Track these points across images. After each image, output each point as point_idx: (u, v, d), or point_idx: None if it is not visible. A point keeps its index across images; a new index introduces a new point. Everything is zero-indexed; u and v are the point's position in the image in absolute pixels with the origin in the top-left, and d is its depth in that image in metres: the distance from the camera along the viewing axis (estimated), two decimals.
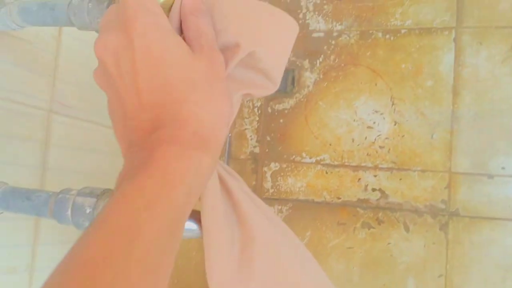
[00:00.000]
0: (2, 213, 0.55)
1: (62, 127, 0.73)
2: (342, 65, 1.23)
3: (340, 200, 1.20)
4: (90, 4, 0.48)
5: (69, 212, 0.47)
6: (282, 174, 1.26)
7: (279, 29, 0.42)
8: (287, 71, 1.29)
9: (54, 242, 0.73)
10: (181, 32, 0.36)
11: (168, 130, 0.30)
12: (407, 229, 1.13)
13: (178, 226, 0.30)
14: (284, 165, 1.26)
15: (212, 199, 0.40)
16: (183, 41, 0.33)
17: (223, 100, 0.33)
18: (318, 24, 1.27)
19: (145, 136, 0.31)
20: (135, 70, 0.31)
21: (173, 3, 0.36)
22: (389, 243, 1.14)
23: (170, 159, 0.29)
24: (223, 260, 0.41)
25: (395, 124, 1.17)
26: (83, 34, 0.79)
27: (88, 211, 0.47)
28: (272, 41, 0.41)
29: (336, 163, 1.21)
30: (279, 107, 1.28)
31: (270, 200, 1.26)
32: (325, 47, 1.25)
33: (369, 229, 1.16)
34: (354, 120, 1.21)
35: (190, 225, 0.46)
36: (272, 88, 0.43)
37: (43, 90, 0.70)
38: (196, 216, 0.47)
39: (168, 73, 0.31)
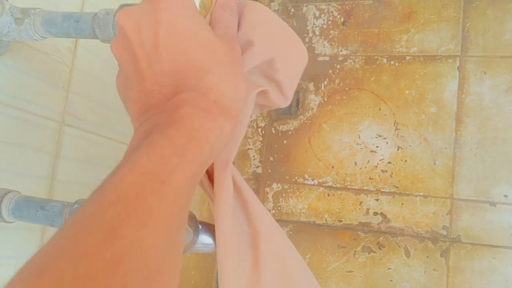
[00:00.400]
0: (13, 222, 0.55)
1: (73, 139, 0.73)
2: (347, 89, 1.25)
3: (341, 223, 1.19)
4: (115, 17, 0.49)
5: None
6: (284, 195, 1.26)
7: (295, 50, 0.44)
8: None
9: None
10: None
11: (192, 94, 0.30)
12: (407, 254, 1.13)
13: (197, 181, 0.30)
14: (286, 186, 1.26)
15: (225, 213, 0.40)
16: (206, 22, 0.34)
17: (242, 80, 0.33)
18: (324, 48, 1.29)
19: (166, 100, 0.31)
20: (157, 39, 0.31)
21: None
22: (389, 268, 1.14)
23: (194, 119, 0.29)
24: (236, 276, 0.42)
25: (398, 149, 1.18)
26: (97, 48, 0.80)
27: None
28: (288, 57, 0.43)
29: (338, 185, 1.21)
30: (283, 128, 1.29)
31: None
32: (330, 71, 1.27)
33: (369, 253, 1.16)
34: (357, 144, 1.22)
35: (207, 240, 0.46)
36: (284, 102, 0.44)
37: (56, 102, 0.70)
38: (211, 229, 0.47)
39: (191, 46, 0.32)
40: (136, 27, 0.32)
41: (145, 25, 0.32)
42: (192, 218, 0.42)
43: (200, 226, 0.45)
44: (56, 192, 0.71)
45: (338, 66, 1.26)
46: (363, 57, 1.25)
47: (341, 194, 1.21)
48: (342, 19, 1.28)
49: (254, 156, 1.31)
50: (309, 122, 1.27)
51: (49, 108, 0.69)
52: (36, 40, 0.56)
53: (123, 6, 0.48)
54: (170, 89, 0.31)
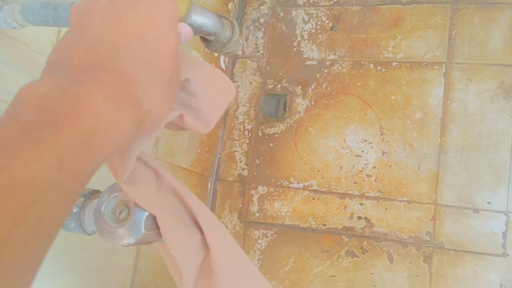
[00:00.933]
0: None
1: None
2: (334, 93, 1.25)
3: (325, 227, 1.19)
4: None
5: None
6: (269, 198, 1.25)
7: (218, 82, 0.42)
8: (279, 96, 1.30)
9: None
10: None
11: (111, 80, 0.28)
12: (391, 259, 1.13)
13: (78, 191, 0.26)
14: (272, 189, 1.25)
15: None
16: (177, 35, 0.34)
17: (170, 96, 0.32)
18: (311, 53, 1.29)
19: (85, 66, 0.28)
20: (120, 19, 0.30)
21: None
22: (372, 273, 1.13)
23: (100, 114, 0.26)
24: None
25: (383, 154, 1.18)
26: None
27: (74, 210, 0.46)
28: (210, 86, 0.41)
29: (323, 189, 1.21)
30: (270, 131, 1.29)
31: (255, 224, 1.25)
32: (317, 75, 1.27)
33: (353, 258, 1.15)
34: (342, 148, 1.22)
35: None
36: (204, 129, 0.42)
37: None
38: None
39: (150, 42, 0.31)
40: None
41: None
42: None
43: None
44: None
45: (326, 71, 1.27)
46: (351, 62, 1.25)
47: (326, 198, 1.20)
48: (330, 24, 1.29)
49: (240, 158, 1.31)
50: (296, 125, 1.27)
51: None
52: (15, 28, 0.56)
53: None
54: (98, 57, 0.29)
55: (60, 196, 0.24)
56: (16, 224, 0.21)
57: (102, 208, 0.40)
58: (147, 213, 0.39)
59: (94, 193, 0.48)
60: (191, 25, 0.45)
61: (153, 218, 0.40)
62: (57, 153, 0.23)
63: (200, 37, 0.51)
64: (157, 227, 0.41)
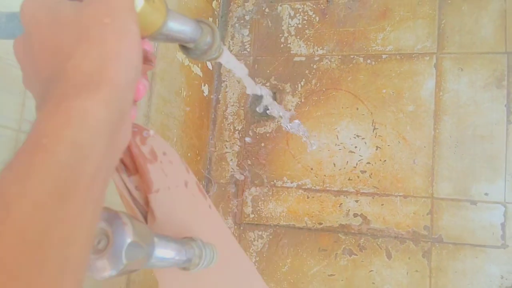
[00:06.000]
0: None
1: None
2: (324, 89, 1.22)
3: (321, 226, 1.17)
4: None
5: None
6: (263, 198, 1.23)
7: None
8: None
9: None
10: None
11: (50, 91, 0.28)
12: (389, 256, 1.11)
13: (71, 188, 0.26)
14: (265, 190, 1.23)
15: None
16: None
17: (116, 37, 0.30)
18: (299, 49, 1.26)
19: (37, 107, 0.30)
20: (31, 42, 0.31)
21: None
22: (371, 271, 1.11)
23: (43, 120, 0.26)
24: None
25: (376, 149, 1.16)
26: None
27: None
28: None
29: (317, 187, 1.19)
30: (261, 130, 1.26)
31: (250, 226, 1.23)
32: (306, 71, 1.25)
33: (350, 256, 1.13)
34: (335, 145, 1.19)
35: (163, 253, 0.43)
36: None
37: (12, 108, 0.66)
38: (170, 242, 0.44)
39: (56, 35, 0.30)
40: (30, 18, 0.32)
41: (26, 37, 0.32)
42: (143, 230, 0.39)
43: (156, 240, 0.42)
44: None
45: (315, 66, 1.24)
46: (339, 57, 1.23)
47: (320, 196, 1.18)
48: (317, 19, 1.26)
49: (232, 159, 1.28)
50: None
51: (4, 115, 0.66)
52: None
53: None
54: (41, 88, 0.30)
55: (32, 204, 0.24)
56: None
57: None
58: (128, 240, 0.37)
59: None
60: (167, 34, 0.42)
61: (137, 246, 0.37)
62: (11, 173, 0.26)
63: (179, 44, 0.48)
64: (143, 254, 0.39)
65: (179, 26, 0.43)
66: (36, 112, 0.30)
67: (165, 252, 0.42)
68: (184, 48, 0.48)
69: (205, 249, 0.46)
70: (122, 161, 0.43)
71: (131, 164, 0.42)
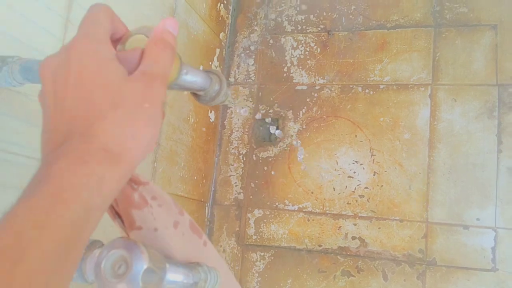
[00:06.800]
0: None
1: None
2: (324, 116, 1.29)
3: (321, 248, 1.22)
4: None
5: None
6: (265, 220, 1.28)
7: None
8: (272, 121, 1.34)
9: None
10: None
11: (73, 144, 0.30)
12: (385, 278, 1.16)
13: (75, 244, 0.29)
14: (268, 212, 1.29)
15: None
16: (119, 66, 0.34)
17: (148, 123, 0.33)
18: (301, 78, 1.33)
19: (51, 150, 0.31)
20: (66, 88, 0.32)
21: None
22: None
23: (65, 174, 0.29)
24: None
25: (374, 174, 1.22)
26: None
27: None
28: None
29: (317, 211, 1.24)
30: (264, 155, 1.33)
31: (253, 247, 1.28)
32: (308, 99, 1.31)
33: (348, 277, 1.18)
34: (335, 170, 1.25)
35: (176, 277, 0.49)
36: None
37: (38, 140, 0.73)
38: (181, 267, 0.50)
39: (94, 94, 0.32)
40: (52, 78, 0.33)
41: (59, 76, 0.33)
42: (157, 257, 0.45)
43: (167, 265, 0.48)
44: None
45: (316, 95, 1.31)
46: (339, 86, 1.29)
47: (320, 219, 1.24)
48: (319, 50, 1.33)
49: (236, 182, 1.34)
50: (289, 148, 1.30)
51: (30, 147, 0.72)
52: (14, 86, 0.59)
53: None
54: (61, 137, 0.31)
55: (45, 252, 0.27)
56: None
57: (102, 264, 0.43)
58: (145, 266, 0.43)
59: (95, 243, 0.52)
60: (181, 84, 0.49)
61: (152, 271, 0.43)
62: (31, 215, 0.27)
63: (191, 92, 0.55)
64: (157, 278, 0.45)
65: (192, 78, 0.50)
66: (42, 146, 0.33)
67: (175, 276, 0.48)
68: (195, 95, 0.55)
69: (210, 273, 0.52)
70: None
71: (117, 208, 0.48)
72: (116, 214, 0.48)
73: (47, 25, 0.74)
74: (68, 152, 0.30)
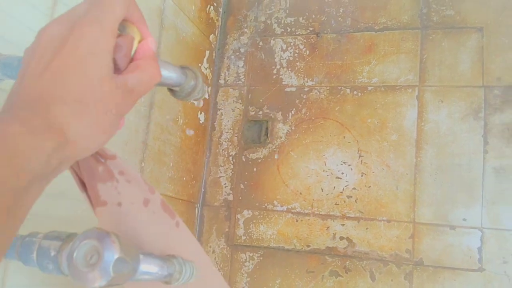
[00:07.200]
0: None
1: None
2: (313, 118, 1.30)
3: (309, 248, 1.23)
4: None
5: (34, 255, 0.50)
6: (254, 221, 1.29)
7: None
8: (261, 123, 1.35)
9: (22, 285, 0.75)
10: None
11: (33, 113, 0.32)
12: (373, 278, 1.16)
13: (14, 212, 0.31)
14: (257, 213, 1.29)
15: None
16: (110, 63, 0.36)
17: (106, 129, 0.36)
18: (290, 80, 1.34)
19: (12, 107, 0.33)
20: (52, 61, 0.34)
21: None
22: None
23: (19, 139, 0.31)
24: None
25: (362, 175, 1.23)
26: None
27: (52, 254, 0.50)
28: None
29: (306, 211, 1.25)
30: (253, 156, 1.33)
31: (242, 247, 1.28)
32: (297, 101, 1.32)
33: (336, 277, 1.19)
34: (323, 171, 1.26)
35: (149, 268, 0.49)
36: None
37: None
38: (155, 259, 0.51)
39: (74, 79, 0.34)
40: (45, 44, 0.35)
41: (53, 46, 0.34)
42: (130, 248, 0.46)
43: (141, 256, 0.48)
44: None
45: (304, 97, 1.32)
46: (328, 88, 1.30)
47: (308, 219, 1.24)
48: (308, 52, 1.34)
49: (225, 183, 1.35)
50: (278, 150, 1.31)
51: None
52: None
53: None
54: (28, 98, 0.33)
55: None
56: None
57: (74, 254, 0.43)
58: (116, 256, 0.43)
59: (71, 236, 0.52)
60: None
61: (124, 261, 0.44)
62: None
63: (167, 88, 0.55)
64: (129, 268, 0.45)
65: (167, 73, 0.51)
66: (8, 96, 0.35)
67: (149, 267, 0.49)
68: (171, 90, 0.55)
69: (185, 265, 0.53)
70: (78, 178, 0.50)
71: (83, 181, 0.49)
72: (84, 187, 0.49)
73: (30, 23, 0.75)
74: (27, 119, 0.32)
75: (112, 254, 0.43)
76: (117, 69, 0.37)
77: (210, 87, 1.41)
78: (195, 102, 1.27)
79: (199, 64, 1.34)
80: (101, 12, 0.35)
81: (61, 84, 0.33)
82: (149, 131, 1.10)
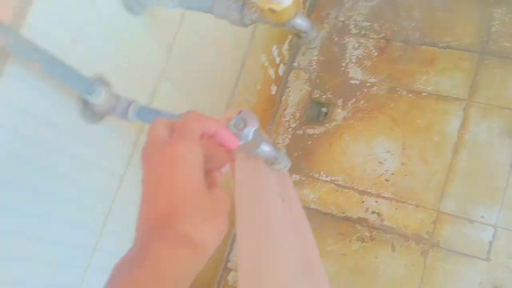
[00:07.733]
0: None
1: None
2: (369, 109, 1.51)
3: (343, 215, 1.43)
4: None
5: None
6: (300, 184, 1.50)
7: None
8: (322, 105, 1.56)
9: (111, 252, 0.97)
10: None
11: (165, 231, 0.38)
12: (393, 249, 1.36)
13: None
14: (304, 178, 1.50)
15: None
16: (201, 178, 0.42)
17: (223, 225, 0.42)
18: (356, 74, 1.56)
19: (145, 233, 0.38)
20: (159, 185, 0.40)
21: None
22: (376, 257, 1.36)
23: (161, 254, 0.36)
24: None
25: (402, 164, 1.43)
26: None
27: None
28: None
29: (347, 185, 1.46)
30: (310, 131, 1.55)
31: None
32: (358, 93, 1.53)
33: (362, 243, 1.39)
34: (369, 155, 1.47)
35: (267, 148, 0.71)
36: None
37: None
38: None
39: (184, 196, 0.39)
40: (149, 171, 0.41)
41: (157, 172, 0.41)
42: (261, 131, 0.67)
43: (264, 136, 0.70)
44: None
45: (365, 90, 1.53)
46: (388, 87, 1.51)
47: (348, 192, 1.45)
48: (376, 54, 1.56)
49: (281, 149, 1.56)
50: (333, 130, 1.52)
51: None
52: (170, 8, 0.83)
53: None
54: (154, 221, 0.39)
55: None
56: None
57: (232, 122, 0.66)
58: (256, 126, 0.65)
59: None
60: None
61: (257, 133, 0.66)
62: (133, 284, 0.35)
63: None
64: (258, 139, 0.67)
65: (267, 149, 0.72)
66: (137, 225, 0.40)
67: (266, 147, 0.71)
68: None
69: (285, 157, 0.74)
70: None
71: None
72: None
73: None
74: (161, 237, 0.37)
75: (254, 124, 0.65)
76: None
77: (284, 66, 1.63)
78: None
79: (281, 45, 1.57)
80: (184, 138, 0.42)
81: (177, 203, 0.39)
82: (237, 85, 1.33)
